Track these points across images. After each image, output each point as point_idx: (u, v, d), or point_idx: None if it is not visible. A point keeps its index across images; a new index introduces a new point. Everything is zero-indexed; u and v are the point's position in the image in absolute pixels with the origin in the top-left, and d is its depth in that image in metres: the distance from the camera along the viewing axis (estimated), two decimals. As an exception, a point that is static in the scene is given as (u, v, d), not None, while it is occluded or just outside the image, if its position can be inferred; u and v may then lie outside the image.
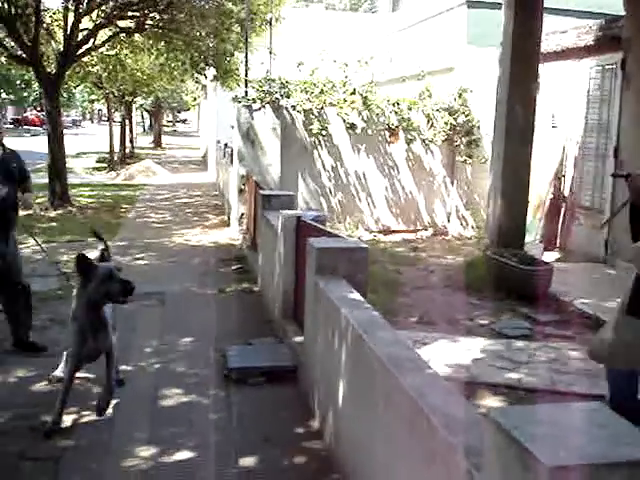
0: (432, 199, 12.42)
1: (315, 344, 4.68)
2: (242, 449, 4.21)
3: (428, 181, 12.35)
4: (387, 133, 11.96)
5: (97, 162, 28.36)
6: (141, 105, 42.77)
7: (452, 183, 12.42)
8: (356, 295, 4.12)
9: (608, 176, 9.05)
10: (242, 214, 11.51)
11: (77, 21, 13.70)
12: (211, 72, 16.33)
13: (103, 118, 67.27)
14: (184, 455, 4.15)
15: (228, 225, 12.97)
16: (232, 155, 13.09)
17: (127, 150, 30.85)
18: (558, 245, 10.42)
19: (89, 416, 4.60)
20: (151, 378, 5.43)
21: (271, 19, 14.53)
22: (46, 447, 4.25)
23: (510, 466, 1.75)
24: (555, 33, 10.47)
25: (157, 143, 42.56)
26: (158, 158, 31.55)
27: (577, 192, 10.24)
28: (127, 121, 32.00)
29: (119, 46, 17.36)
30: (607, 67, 9.50)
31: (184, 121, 79.73)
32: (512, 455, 1.74)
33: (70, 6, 13.71)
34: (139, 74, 21.23)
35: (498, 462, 1.84)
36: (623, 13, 9.21)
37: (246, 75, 13.12)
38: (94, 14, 14.23)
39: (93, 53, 16.52)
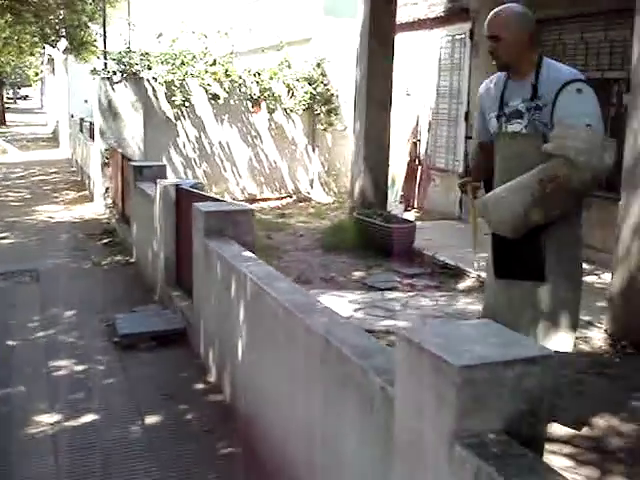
0: (295, 167, 12.78)
1: (206, 305, 4.89)
2: (145, 408, 4.37)
3: (290, 149, 12.69)
4: (249, 103, 12.15)
5: None
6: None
7: (313, 150, 12.83)
8: (248, 253, 4.36)
9: (460, 139, 9.75)
10: (107, 188, 11.38)
11: None
12: (63, 44, 15.78)
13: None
14: (88, 418, 4.25)
15: (91, 200, 12.74)
16: (92, 129, 12.82)
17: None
18: (416, 205, 11.09)
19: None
20: (40, 350, 5.43)
21: None
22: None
23: (422, 373, 2.08)
24: (407, 5, 11.02)
25: (1, 121, 40.26)
26: (4, 136, 29.90)
27: (432, 155, 10.93)
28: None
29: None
30: (457, 37, 10.16)
31: (25, 97, 75.72)
32: (424, 363, 2.07)
33: None
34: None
35: (410, 373, 2.17)
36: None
37: (104, 47, 12.83)
38: None
39: None
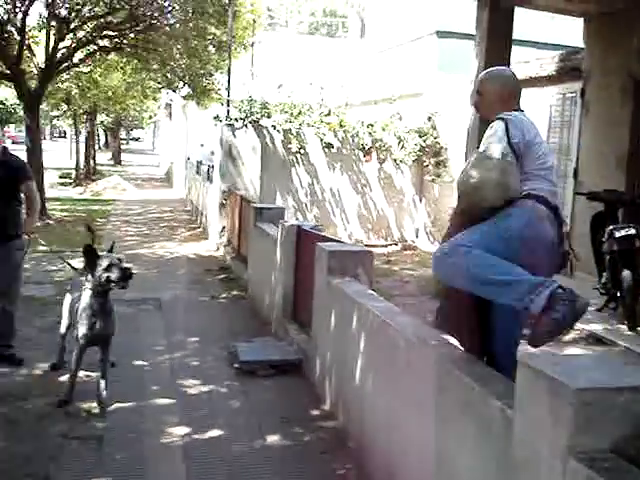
0: (402, 216, 13.13)
1: (324, 337, 5.26)
2: (265, 428, 4.75)
3: (398, 199, 13.07)
4: (361, 153, 12.65)
5: (60, 177, 28.47)
6: (101, 122, 42.89)
7: (420, 201, 13.16)
8: (370, 290, 4.72)
9: (569, 195, 9.87)
10: (223, 227, 12.05)
11: (60, 39, 14.11)
12: (184, 91, 16.88)
13: (55, 135, 67.13)
14: (214, 433, 4.66)
15: (205, 238, 13.46)
16: (208, 172, 13.64)
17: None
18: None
19: (114, 404, 5.09)
20: (167, 371, 5.92)
21: (253, 43, 15.14)
22: (86, 428, 4.71)
23: (541, 395, 2.36)
24: (519, 63, 11.30)
25: (117, 160, 42.70)
26: (120, 175, 31.77)
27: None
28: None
29: (93, 64, 17.81)
30: (568, 95, 10.35)
31: (137, 139, 79.77)
32: (542, 386, 2.35)
33: (53, 26, 14.11)
34: (110, 92, 21.59)
35: (530, 396, 2.45)
36: (580, 45, 10.11)
37: (228, 95, 13.71)
38: (76, 33, 14.64)
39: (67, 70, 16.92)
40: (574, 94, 10.18)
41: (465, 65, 11.64)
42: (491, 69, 3.86)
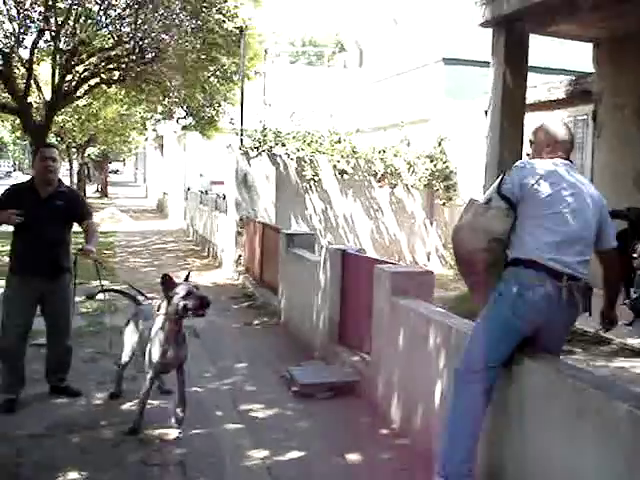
0: (413, 240, 13.31)
1: (389, 357, 5.36)
2: (341, 448, 4.83)
3: (410, 223, 13.26)
4: (373, 178, 12.85)
5: (53, 211, 28.34)
6: (88, 155, 42.91)
7: (431, 224, 13.35)
8: (440, 309, 4.84)
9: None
10: (239, 256, 12.14)
11: (67, 72, 14.19)
12: (184, 121, 16.96)
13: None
14: (294, 455, 4.73)
15: (219, 267, 13.53)
16: (216, 201, 13.75)
17: (82, 198, 30.96)
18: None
19: (185, 430, 5.13)
20: (226, 397, 5.98)
21: (263, 72, 15.35)
22: (163, 454, 4.76)
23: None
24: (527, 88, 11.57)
25: (104, 193, 42.63)
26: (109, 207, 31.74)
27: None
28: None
29: (93, 96, 17.89)
30: (579, 118, 10.63)
31: (116, 171, 79.54)
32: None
33: (59, 59, 14.21)
34: (110, 123, 21.69)
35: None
36: (585, 70, 10.43)
37: (241, 124, 13.87)
38: (82, 66, 14.73)
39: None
40: (585, 116, 10.47)
41: (472, 91, 11.93)
42: (543, 121, 4.00)
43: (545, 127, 3.88)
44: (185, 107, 16.09)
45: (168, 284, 4.95)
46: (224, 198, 13.63)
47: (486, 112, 13.06)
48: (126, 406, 5.62)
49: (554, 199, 3.54)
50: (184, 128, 18.72)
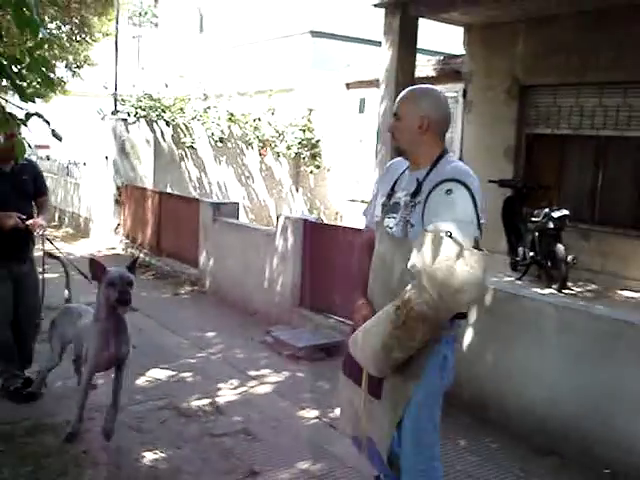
0: (281, 205, 13.79)
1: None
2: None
3: (278, 189, 13.70)
4: (245, 146, 13.10)
5: None
6: None
7: (297, 190, 13.91)
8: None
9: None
10: (118, 224, 11.87)
11: None
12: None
13: None
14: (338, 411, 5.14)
15: (85, 237, 13.08)
16: (68, 167, 13.19)
17: None
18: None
19: (218, 397, 5.35)
20: (226, 365, 6.17)
21: (140, 35, 14.69)
22: (224, 424, 4.96)
23: None
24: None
25: None
26: None
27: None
28: None
29: None
30: (450, 95, 11.70)
31: None
32: None
33: None
34: None
35: None
36: (453, 52, 11.54)
37: (115, 90, 13.31)
38: None
39: None
40: (456, 94, 11.56)
41: (336, 64, 12.66)
42: (416, 87, 3.07)
43: (424, 96, 2.93)
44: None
45: (96, 269, 4.24)
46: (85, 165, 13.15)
47: (347, 85, 13.92)
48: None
49: None
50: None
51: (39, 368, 5.17)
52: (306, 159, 13.64)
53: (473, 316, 5.05)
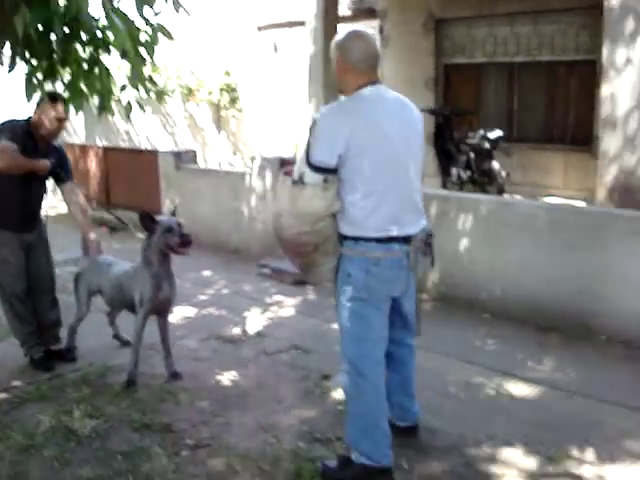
0: (206, 150, 14.10)
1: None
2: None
3: (202, 135, 14.00)
4: (166, 95, 13.26)
5: None
6: None
7: (219, 133, 14.26)
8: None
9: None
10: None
11: None
12: None
13: None
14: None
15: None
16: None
17: None
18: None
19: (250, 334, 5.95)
20: (242, 298, 6.72)
21: None
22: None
23: None
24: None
25: None
26: None
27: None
28: None
29: None
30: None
31: None
32: None
33: None
34: None
35: None
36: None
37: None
38: None
39: None
40: (373, 30, 12.10)
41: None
42: (339, 33, 3.39)
43: (345, 36, 3.35)
44: None
45: (147, 220, 4.54)
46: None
47: (259, 28, 14.20)
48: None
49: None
50: None
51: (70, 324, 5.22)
52: (227, 104, 13.95)
53: (469, 224, 5.94)
